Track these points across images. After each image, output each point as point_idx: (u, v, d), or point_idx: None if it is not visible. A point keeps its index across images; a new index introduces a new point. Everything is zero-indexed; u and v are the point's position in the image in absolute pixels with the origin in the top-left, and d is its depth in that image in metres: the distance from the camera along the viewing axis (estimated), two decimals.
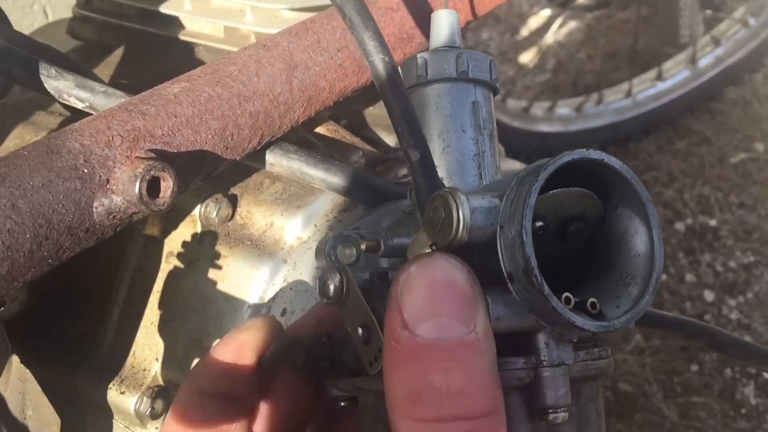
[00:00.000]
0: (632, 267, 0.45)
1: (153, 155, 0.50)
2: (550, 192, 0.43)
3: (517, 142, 1.95)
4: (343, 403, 0.51)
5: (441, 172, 0.50)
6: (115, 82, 0.80)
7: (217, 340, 0.55)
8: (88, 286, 0.71)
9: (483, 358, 0.38)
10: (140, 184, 0.48)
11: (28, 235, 0.45)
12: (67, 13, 1.95)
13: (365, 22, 0.50)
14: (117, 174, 0.49)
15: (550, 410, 0.45)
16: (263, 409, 0.49)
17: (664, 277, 1.86)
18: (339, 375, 0.49)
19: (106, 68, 0.88)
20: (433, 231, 0.43)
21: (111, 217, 0.49)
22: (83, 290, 0.71)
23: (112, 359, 0.70)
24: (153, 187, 0.49)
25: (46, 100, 0.79)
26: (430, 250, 0.43)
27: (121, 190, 0.48)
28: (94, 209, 0.48)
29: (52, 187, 0.46)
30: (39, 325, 0.73)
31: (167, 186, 0.49)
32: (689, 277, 1.86)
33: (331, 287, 0.46)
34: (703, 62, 2.07)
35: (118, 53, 0.91)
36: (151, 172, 0.48)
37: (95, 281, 0.71)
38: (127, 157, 0.50)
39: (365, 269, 0.51)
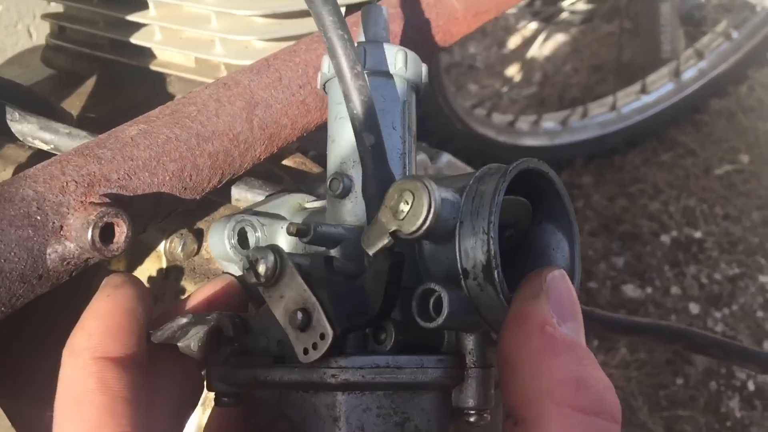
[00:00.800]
0: None
1: (107, 200, 0.51)
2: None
3: (503, 157, 1.96)
4: (226, 399, 0.47)
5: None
6: (84, 116, 0.81)
7: None
8: (55, 320, 0.71)
9: None
10: (92, 230, 0.48)
11: None
12: None
13: None
14: (70, 220, 0.49)
15: (474, 411, 0.46)
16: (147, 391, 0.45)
17: (649, 290, 1.87)
18: (247, 363, 0.45)
19: (77, 98, 0.89)
20: (394, 219, 0.42)
21: (65, 263, 0.49)
22: (50, 325, 0.71)
23: None
24: (106, 232, 0.49)
25: None
26: (390, 239, 0.42)
27: (75, 237, 0.49)
28: (47, 256, 0.49)
29: (4, 235, 0.47)
30: (6, 360, 0.74)
31: (121, 231, 0.50)
32: (674, 290, 1.87)
33: (262, 267, 0.43)
34: (687, 75, 2.09)
35: (91, 83, 0.91)
36: (104, 219, 0.48)
37: (62, 315, 0.71)
38: (81, 202, 0.50)
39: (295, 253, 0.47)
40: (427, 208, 0.40)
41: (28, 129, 0.61)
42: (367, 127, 0.46)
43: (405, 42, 0.75)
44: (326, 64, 0.52)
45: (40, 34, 1.92)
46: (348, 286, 0.44)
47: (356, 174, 0.49)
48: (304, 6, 0.83)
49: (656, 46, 1.78)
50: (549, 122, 2.03)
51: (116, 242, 0.50)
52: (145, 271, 0.69)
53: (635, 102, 2.07)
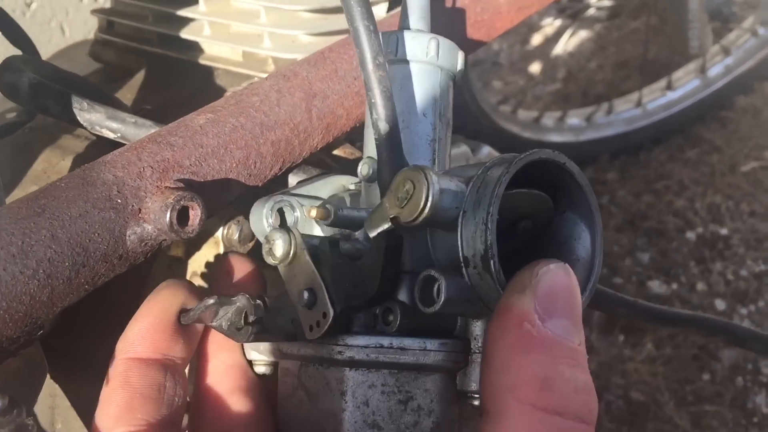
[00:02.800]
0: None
1: (181, 185, 0.53)
2: (511, 191, 0.44)
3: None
4: (262, 369, 0.52)
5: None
6: (139, 107, 0.83)
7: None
8: (114, 304, 0.74)
9: (587, 370, 0.40)
10: (171, 213, 0.50)
11: (67, 264, 0.48)
12: (83, 30, 1.99)
13: None
14: (148, 204, 0.51)
15: (478, 395, 0.47)
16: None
17: (674, 286, 1.88)
18: (270, 339, 0.49)
19: (128, 92, 0.91)
20: (397, 205, 0.43)
21: (143, 244, 0.52)
22: (110, 309, 0.73)
23: None
24: (182, 215, 0.51)
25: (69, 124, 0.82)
26: (389, 224, 0.44)
27: (153, 219, 0.51)
28: (127, 237, 0.51)
29: (89, 217, 0.49)
30: (67, 342, 0.76)
31: (195, 214, 0.52)
32: (700, 286, 1.87)
33: (279, 248, 0.46)
34: (713, 71, 2.09)
35: (140, 77, 0.93)
36: (181, 202, 0.51)
37: (121, 300, 0.73)
38: (157, 187, 0.52)
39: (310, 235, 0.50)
40: (425, 198, 0.42)
41: (96, 118, 0.63)
42: (383, 116, 0.48)
43: (449, 36, 0.77)
44: None
45: (73, 30, 1.96)
46: (352, 267, 0.46)
47: None
48: None
49: (684, 43, 1.78)
50: (574, 118, 2.04)
51: (191, 224, 0.52)
52: (203, 256, 0.71)
53: (661, 98, 2.07)
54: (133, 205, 0.51)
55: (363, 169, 0.51)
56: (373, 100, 0.48)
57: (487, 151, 0.90)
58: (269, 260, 0.47)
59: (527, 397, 0.38)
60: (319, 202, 0.56)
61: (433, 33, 0.54)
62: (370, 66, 0.48)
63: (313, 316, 0.44)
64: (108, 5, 1.01)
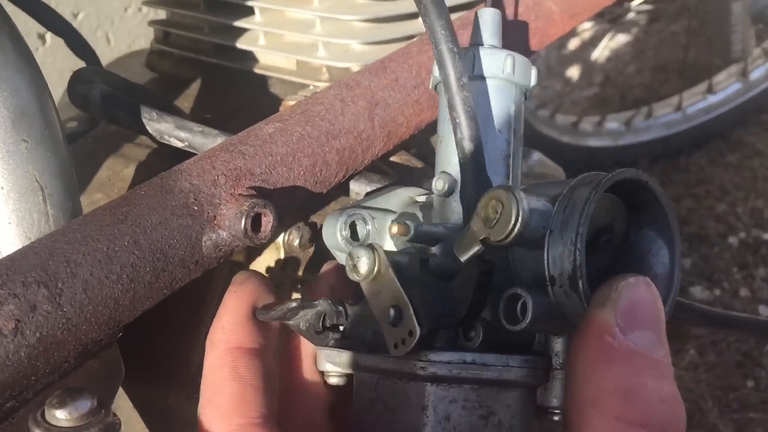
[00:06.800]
0: None
1: (254, 192, 0.55)
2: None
3: (567, 157, 1.96)
4: (335, 380, 0.52)
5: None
6: (196, 116, 0.85)
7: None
8: (178, 309, 0.76)
9: (674, 382, 0.39)
10: (246, 220, 0.52)
11: (148, 269, 0.50)
12: (127, 40, 2.04)
13: (439, 11, 0.51)
14: (223, 211, 0.53)
15: (558, 411, 0.48)
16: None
17: (717, 292, 1.85)
18: (349, 347, 0.49)
19: (185, 100, 0.93)
20: (485, 226, 0.44)
21: (217, 250, 0.53)
22: (174, 313, 0.75)
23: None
24: (256, 222, 0.53)
25: (130, 132, 0.85)
26: (480, 246, 0.45)
27: (227, 226, 0.53)
28: (203, 243, 0.53)
29: (168, 224, 0.51)
30: (132, 344, 0.78)
31: (268, 221, 0.53)
32: (743, 292, 1.85)
33: (363, 265, 0.46)
34: (755, 75, 2.06)
35: (196, 86, 0.96)
36: (255, 209, 0.52)
37: (185, 304, 0.75)
38: (231, 194, 0.54)
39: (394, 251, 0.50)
40: (515, 217, 0.42)
41: (165, 128, 0.65)
42: (468, 136, 0.49)
43: (504, 44, 0.78)
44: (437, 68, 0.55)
45: (117, 40, 2.00)
46: (439, 287, 0.47)
47: (459, 175, 0.52)
48: (402, 11, 0.87)
49: (726, 46, 1.76)
50: (613, 123, 2.03)
51: (263, 231, 0.53)
52: (264, 262, 0.72)
53: (701, 102, 2.05)
54: (208, 212, 0.53)
55: (438, 184, 0.51)
56: (458, 120, 0.49)
57: (537, 156, 0.90)
58: (353, 277, 0.47)
59: (610, 409, 0.38)
60: (390, 216, 0.57)
61: (506, 49, 0.55)
62: (454, 87, 0.49)
63: (398, 333, 0.45)
64: (154, 15, 1.03)
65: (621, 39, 2.42)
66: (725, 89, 2.05)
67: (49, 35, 1.83)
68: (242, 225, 0.52)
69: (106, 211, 0.50)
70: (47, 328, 0.45)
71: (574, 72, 2.42)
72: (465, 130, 0.49)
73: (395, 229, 0.49)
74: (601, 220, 0.47)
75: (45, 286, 0.45)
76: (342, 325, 0.48)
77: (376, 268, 0.46)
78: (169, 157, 0.74)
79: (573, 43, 2.50)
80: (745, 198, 2.02)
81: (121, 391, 0.82)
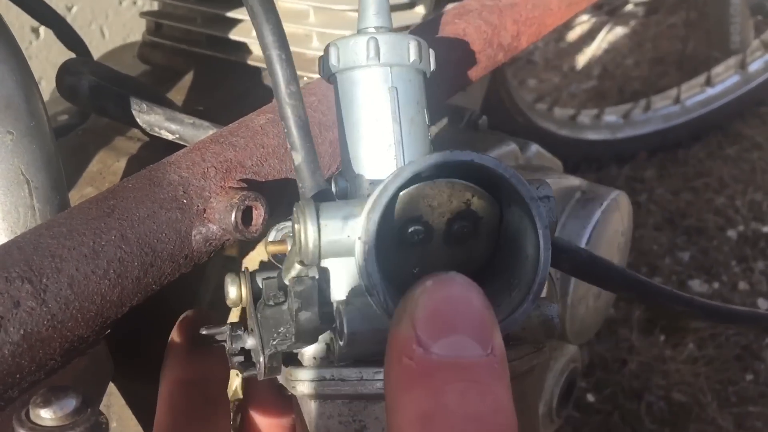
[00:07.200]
0: (521, 270, 0.41)
1: (244, 185, 0.53)
2: (412, 186, 0.40)
3: (565, 151, 1.95)
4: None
5: (358, 165, 0.47)
6: (188, 108, 0.84)
7: None
8: (169, 303, 0.74)
9: (501, 382, 0.34)
10: (236, 213, 0.51)
11: (136, 263, 0.48)
12: (122, 33, 2.02)
13: (267, 15, 0.47)
14: (213, 204, 0.52)
15: None
16: None
17: (716, 285, 1.85)
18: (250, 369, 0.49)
19: (178, 93, 0.92)
20: (296, 245, 0.41)
21: (207, 244, 0.52)
22: (165, 308, 0.74)
23: None
24: (246, 215, 0.52)
25: (122, 125, 0.83)
26: (300, 267, 0.42)
27: (218, 219, 0.51)
28: (192, 237, 0.51)
29: (156, 217, 0.50)
30: (122, 341, 0.77)
31: (259, 214, 0.52)
32: (742, 285, 1.84)
33: (231, 292, 0.48)
34: (754, 67, 2.05)
35: (188, 78, 0.94)
36: (246, 202, 0.51)
37: (177, 299, 0.74)
38: (221, 187, 0.53)
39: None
40: (305, 234, 0.40)
41: (155, 120, 0.64)
42: (296, 145, 0.47)
43: (500, 34, 0.77)
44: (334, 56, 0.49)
45: (112, 33, 1.99)
46: (278, 311, 0.47)
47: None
48: (396, 1, 0.86)
49: (725, 38, 1.75)
50: (611, 116, 2.02)
51: (254, 224, 0.52)
52: (257, 255, 0.71)
53: (700, 94, 2.04)
54: (198, 206, 0.52)
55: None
56: (285, 130, 0.47)
57: (535, 149, 0.89)
58: (228, 304, 0.48)
59: None
60: None
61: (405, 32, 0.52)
62: (282, 94, 0.47)
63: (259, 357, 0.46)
64: (149, 7, 1.02)
65: (619, 31, 2.40)
66: (724, 81, 2.05)
67: (43, 29, 1.82)
68: (233, 218, 0.51)
69: (93, 204, 0.49)
70: (31, 325, 0.44)
71: (571, 65, 2.40)
72: (293, 140, 0.47)
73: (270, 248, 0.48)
74: (448, 207, 0.41)
75: (29, 281, 0.44)
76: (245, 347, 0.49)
77: (243, 295, 0.48)
78: (161, 150, 0.73)
79: (571, 36, 2.48)
80: (744, 191, 2.01)
81: (113, 388, 0.81)
